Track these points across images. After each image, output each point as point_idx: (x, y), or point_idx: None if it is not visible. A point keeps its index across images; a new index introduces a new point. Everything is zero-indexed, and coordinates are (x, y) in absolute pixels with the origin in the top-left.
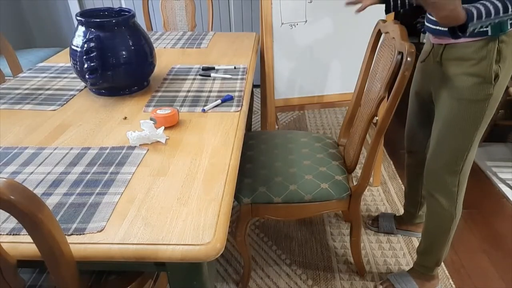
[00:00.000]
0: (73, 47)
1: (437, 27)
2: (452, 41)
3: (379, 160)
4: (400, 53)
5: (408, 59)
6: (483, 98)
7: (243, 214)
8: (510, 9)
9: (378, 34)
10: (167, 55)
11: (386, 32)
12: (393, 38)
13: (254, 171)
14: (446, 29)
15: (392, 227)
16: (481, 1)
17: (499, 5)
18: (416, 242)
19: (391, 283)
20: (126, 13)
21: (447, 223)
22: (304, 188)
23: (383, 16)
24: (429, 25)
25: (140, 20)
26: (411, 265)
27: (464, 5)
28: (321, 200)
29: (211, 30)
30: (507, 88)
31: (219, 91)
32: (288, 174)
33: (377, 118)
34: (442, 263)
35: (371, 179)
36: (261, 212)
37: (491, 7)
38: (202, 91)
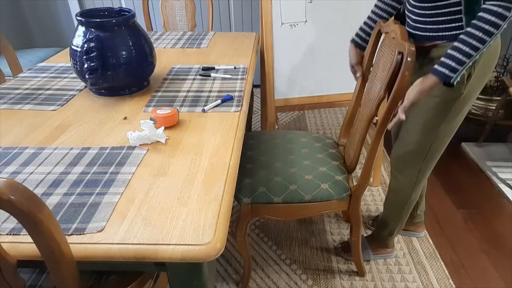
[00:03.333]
0: (73, 47)
1: (417, 32)
2: (433, 43)
3: (379, 160)
4: (400, 53)
5: (408, 59)
6: (453, 97)
7: (243, 214)
8: (487, 40)
9: (378, 34)
10: (167, 55)
11: (386, 32)
12: (393, 38)
13: (254, 171)
14: (425, 34)
15: None
16: (457, 45)
17: (474, 42)
18: (416, 242)
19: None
20: (126, 13)
21: (402, 202)
22: (304, 188)
23: None
24: (409, 30)
25: (140, 20)
26: (411, 265)
27: (442, 59)
28: (321, 200)
29: (211, 30)
30: (507, 88)
31: (219, 91)
32: (288, 174)
33: (377, 118)
34: (442, 263)
35: (371, 179)
36: (261, 212)
37: (467, 49)
38: (202, 91)
